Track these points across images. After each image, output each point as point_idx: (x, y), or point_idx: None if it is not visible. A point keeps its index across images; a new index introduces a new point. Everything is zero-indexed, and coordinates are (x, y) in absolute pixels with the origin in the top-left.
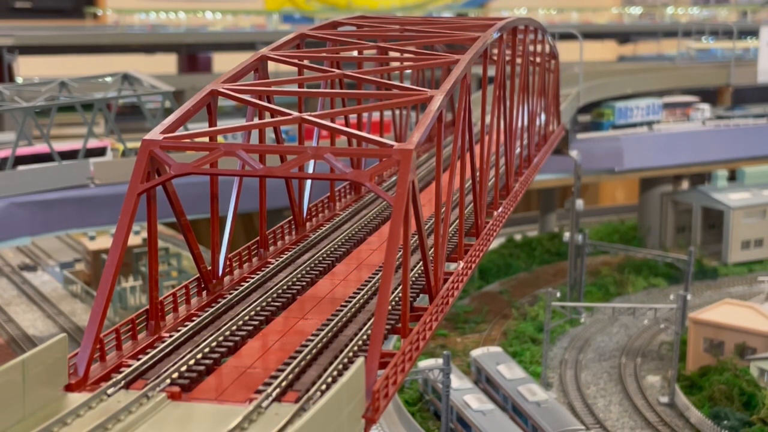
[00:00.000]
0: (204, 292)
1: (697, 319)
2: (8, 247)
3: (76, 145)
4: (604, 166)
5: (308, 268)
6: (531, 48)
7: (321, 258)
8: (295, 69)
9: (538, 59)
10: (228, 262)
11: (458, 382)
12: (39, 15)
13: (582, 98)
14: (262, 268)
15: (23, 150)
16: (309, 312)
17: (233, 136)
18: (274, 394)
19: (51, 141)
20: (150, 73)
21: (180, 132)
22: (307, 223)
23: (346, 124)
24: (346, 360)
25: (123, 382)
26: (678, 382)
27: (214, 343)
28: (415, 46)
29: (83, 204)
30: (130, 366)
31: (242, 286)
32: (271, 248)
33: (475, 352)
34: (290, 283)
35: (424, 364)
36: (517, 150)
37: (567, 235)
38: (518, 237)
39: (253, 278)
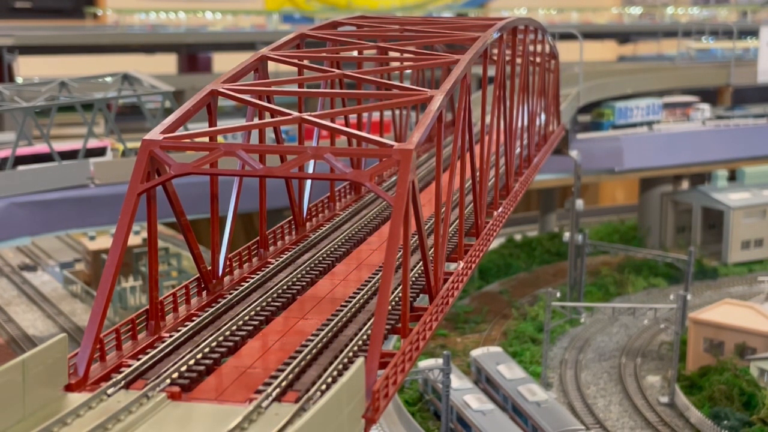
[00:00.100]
0: (204, 292)
1: (697, 319)
2: (8, 247)
3: (76, 145)
4: (604, 166)
5: (308, 268)
6: (531, 48)
7: (321, 258)
8: (295, 69)
9: (538, 59)
10: (228, 262)
11: (458, 382)
12: (39, 15)
13: (582, 98)
14: (262, 268)
15: (23, 150)
16: (309, 312)
17: (233, 136)
18: (274, 394)
19: (51, 141)
20: (150, 73)
21: (180, 132)
22: (307, 223)
23: (346, 124)
24: (346, 360)
25: (123, 382)
26: (678, 382)
27: (214, 343)
28: (415, 46)
29: (83, 204)
30: (130, 366)
31: (242, 286)
32: (271, 248)
33: (475, 352)
34: (290, 283)
35: (424, 364)
36: (517, 150)
37: (567, 235)
38: (518, 237)
39: (253, 278)
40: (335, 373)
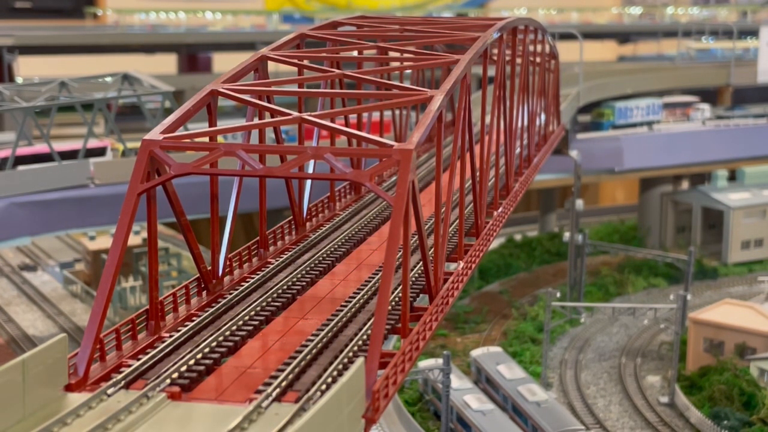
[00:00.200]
0: (204, 292)
1: (697, 319)
2: (8, 247)
3: (76, 145)
4: (604, 166)
5: (308, 268)
6: (531, 48)
7: (321, 258)
8: (295, 69)
9: (538, 59)
10: (228, 262)
11: (458, 382)
12: (39, 15)
13: (582, 98)
14: (262, 268)
15: (23, 150)
16: (309, 312)
17: (233, 136)
18: (274, 394)
19: (51, 141)
20: (150, 73)
21: (180, 132)
22: (307, 223)
23: (346, 124)
24: (346, 360)
25: (123, 382)
26: (678, 382)
27: (214, 343)
28: (415, 46)
29: (83, 204)
30: (130, 366)
31: (242, 286)
32: (271, 248)
33: (475, 352)
34: (290, 283)
35: (424, 364)
36: (517, 150)
37: (567, 235)
38: (518, 237)
39: (253, 278)
40: (335, 373)
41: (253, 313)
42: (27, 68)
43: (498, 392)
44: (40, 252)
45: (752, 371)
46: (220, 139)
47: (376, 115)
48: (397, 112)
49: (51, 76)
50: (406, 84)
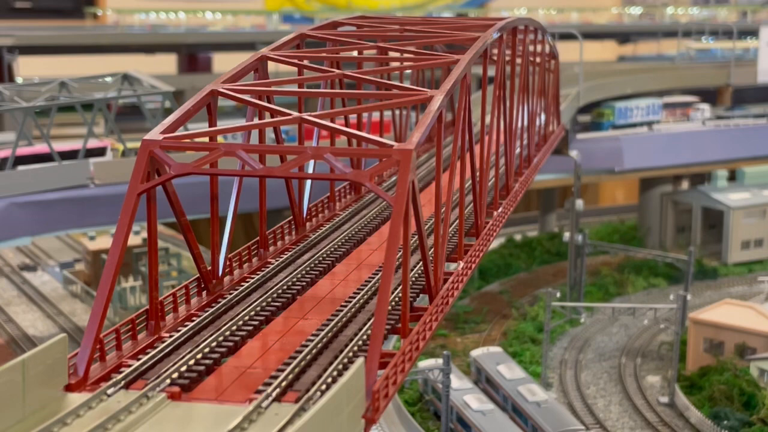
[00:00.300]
0: (204, 292)
1: (697, 319)
2: (8, 247)
3: (76, 145)
4: (604, 166)
5: (308, 269)
6: (531, 48)
7: (321, 258)
8: (295, 69)
9: (538, 59)
10: (228, 262)
11: (458, 382)
12: (39, 15)
13: (582, 98)
14: (262, 268)
15: (23, 150)
16: (309, 312)
17: (233, 136)
18: (274, 394)
19: (51, 141)
20: (150, 73)
21: (180, 132)
22: (307, 223)
23: (346, 124)
24: (346, 360)
25: (123, 383)
26: (678, 382)
27: (214, 343)
28: (415, 46)
29: (83, 204)
30: (130, 366)
31: (242, 286)
32: (271, 248)
33: (475, 352)
34: (290, 284)
35: (424, 364)
36: (517, 150)
37: (567, 235)
38: (518, 237)
39: (253, 278)
40: (335, 373)
41: (253, 313)
42: (27, 68)
43: (498, 392)
44: (40, 252)
45: (752, 371)
46: (220, 139)
47: (376, 115)
48: (397, 112)
49: (51, 76)
50: (406, 84)
